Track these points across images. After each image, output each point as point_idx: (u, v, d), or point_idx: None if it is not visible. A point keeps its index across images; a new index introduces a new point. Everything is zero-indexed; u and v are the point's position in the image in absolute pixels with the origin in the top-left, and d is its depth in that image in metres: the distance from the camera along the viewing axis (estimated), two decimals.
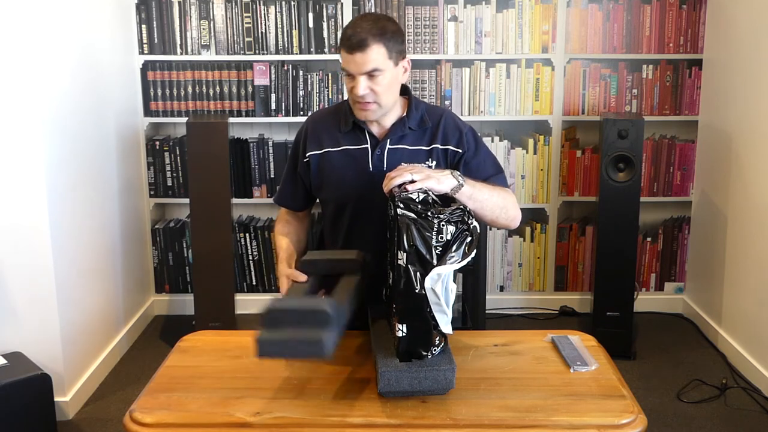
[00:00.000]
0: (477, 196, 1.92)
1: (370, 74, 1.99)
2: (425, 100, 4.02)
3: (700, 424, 3.13)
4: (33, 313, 3.05)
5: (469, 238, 1.69)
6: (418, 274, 1.65)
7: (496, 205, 1.98)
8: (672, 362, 3.67)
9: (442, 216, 1.69)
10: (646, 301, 4.23)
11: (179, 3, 3.97)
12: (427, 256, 1.65)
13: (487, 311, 3.68)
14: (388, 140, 2.10)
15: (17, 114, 2.90)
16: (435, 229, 1.67)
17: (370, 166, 2.10)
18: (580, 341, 2.00)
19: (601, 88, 4.07)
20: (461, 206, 1.76)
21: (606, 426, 1.63)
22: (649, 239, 4.23)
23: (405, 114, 2.12)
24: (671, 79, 4.05)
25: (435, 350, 1.73)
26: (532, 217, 4.20)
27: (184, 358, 1.96)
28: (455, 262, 1.66)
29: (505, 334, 2.08)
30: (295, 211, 2.30)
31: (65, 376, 3.14)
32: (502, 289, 4.27)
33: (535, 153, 4.11)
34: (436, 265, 1.65)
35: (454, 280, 1.72)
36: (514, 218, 2.06)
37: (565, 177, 4.14)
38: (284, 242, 2.19)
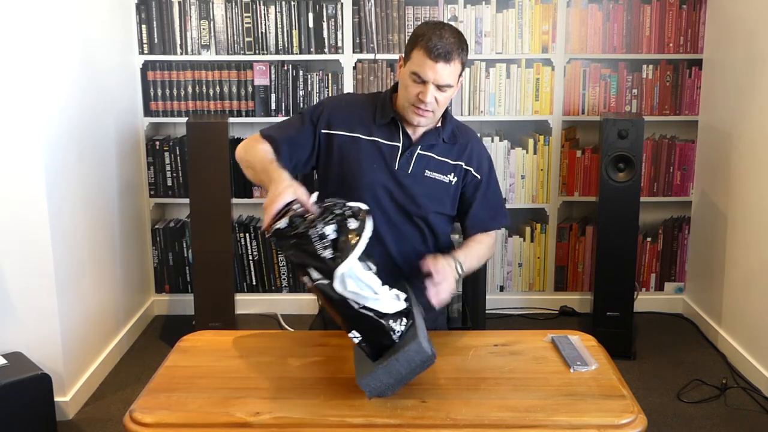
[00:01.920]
0: (466, 273, 2.05)
1: (441, 86, 2.00)
2: None
3: (700, 424, 3.13)
4: (33, 313, 3.05)
5: (353, 222, 1.72)
6: (327, 283, 1.69)
7: (477, 266, 2.14)
8: (672, 362, 3.67)
9: (315, 224, 1.71)
10: (646, 301, 4.23)
11: (179, 3, 3.97)
12: (324, 265, 1.68)
13: (487, 311, 3.69)
14: (420, 146, 2.11)
15: (17, 114, 2.90)
16: (316, 239, 1.70)
17: (396, 164, 2.09)
18: (580, 341, 2.01)
19: (601, 88, 4.07)
20: (330, 203, 1.78)
21: (606, 426, 1.63)
22: (649, 239, 4.23)
23: (439, 125, 2.14)
24: (671, 79, 4.05)
25: (398, 333, 1.73)
26: (532, 217, 4.20)
27: (184, 358, 1.96)
28: (352, 249, 1.69)
29: (505, 334, 2.08)
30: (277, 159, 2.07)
31: (65, 376, 3.14)
32: (502, 289, 4.27)
33: (535, 153, 4.11)
34: (336, 266, 1.67)
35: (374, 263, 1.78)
36: (484, 261, 2.25)
37: (565, 177, 4.14)
38: (271, 157, 2.02)
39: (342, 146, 2.11)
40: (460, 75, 2.05)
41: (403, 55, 2.07)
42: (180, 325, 3.98)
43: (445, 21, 3.95)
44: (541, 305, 4.27)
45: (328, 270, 1.69)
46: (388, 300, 1.75)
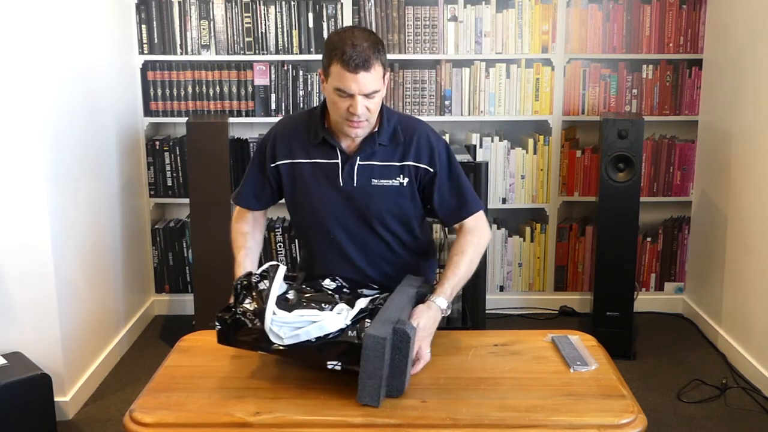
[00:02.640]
0: (456, 291, 2.04)
1: (368, 95, 1.95)
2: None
3: (700, 424, 3.13)
4: (33, 313, 3.05)
5: (262, 284, 1.82)
6: (271, 345, 1.75)
7: (470, 273, 2.10)
8: (672, 362, 3.67)
9: (236, 307, 1.82)
10: (646, 301, 4.23)
11: (179, 3, 3.97)
12: (259, 334, 1.76)
13: (487, 311, 3.68)
14: (358, 157, 2.07)
15: (17, 114, 2.90)
16: (244, 319, 1.79)
17: (341, 181, 2.08)
18: (580, 341, 2.01)
19: (601, 88, 4.07)
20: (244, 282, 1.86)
21: (606, 426, 1.63)
22: (649, 239, 4.23)
23: (376, 129, 2.07)
24: (671, 79, 4.05)
25: (355, 333, 1.74)
26: (532, 217, 4.20)
27: (184, 358, 1.96)
28: (265, 304, 1.77)
29: (505, 334, 2.08)
30: (254, 210, 2.24)
31: (65, 376, 3.14)
32: (502, 289, 4.27)
33: (535, 153, 4.11)
34: (263, 327, 1.75)
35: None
36: (481, 252, 2.15)
37: (565, 177, 4.14)
38: (243, 244, 2.17)
39: (289, 174, 2.13)
40: (384, 75, 1.99)
41: (322, 69, 2.02)
42: (180, 325, 3.98)
43: (445, 21, 3.96)
44: (541, 305, 4.27)
45: (263, 335, 1.75)
46: (332, 318, 1.76)
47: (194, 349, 2.01)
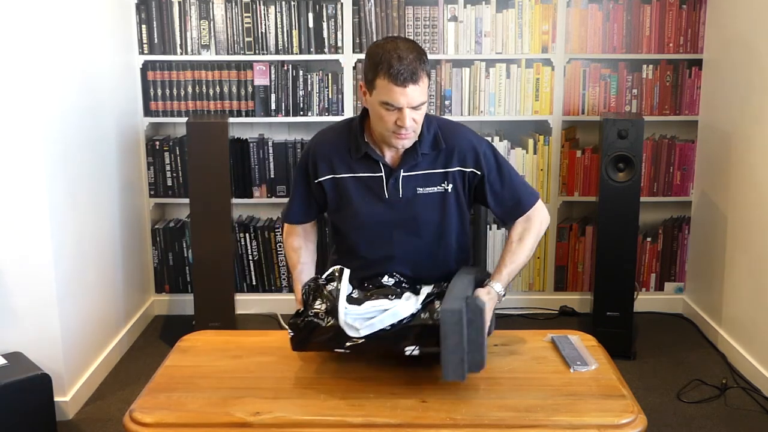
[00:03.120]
0: (512, 278, 2.05)
1: (416, 107, 1.94)
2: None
3: (700, 424, 3.13)
4: (33, 313, 3.05)
5: (330, 285, 1.87)
6: (351, 340, 1.78)
7: (527, 261, 2.11)
8: (672, 362, 3.67)
9: (307, 310, 1.85)
10: (646, 301, 4.23)
11: (179, 3, 3.97)
12: (335, 331, 1.80)
13: None
14: (401, 169, 2.07)
15: (17, 114, 2.90)
16: (316, 320, 1.82)
17: (386, 193, 2.08)
18: (580, 341, 2.01)
19: (601, 88, 4.07)
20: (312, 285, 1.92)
21: (606, 426, 1.63)
22: (649, 239, 4.23)
23: (417, 138, 2.05)
24: (671, 79, 4.05)
25: (434, 317, 1.76)
26: None
27: (184, 358, 1.96)
28: (336, 301, 1.82)
29: (505, 334, 2.08)
30: (305, 224, 2.28)
31: (65, 376, 3.14)
32: None
33: (535, 153, 4.11)
34: (338, 323, 1.79)
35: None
36: (542, 233, 2.15)
37: (565, 177, 4.14)
38: (297, 260, 2.20)
39: (334, 189, 2.12)
40: (429, 85, 1.99)
41: (363, 82, 2.00)
42: (180, 325, 3.98)
43: (445, 21, 3.96)
44: (541, 305, 4.27)
45: (337, 332, 1.77)
46: (402, 305, 1.80)
47: (194, 349, 2.01)
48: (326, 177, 2.12)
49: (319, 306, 1.82)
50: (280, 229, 4.14)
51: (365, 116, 2.09)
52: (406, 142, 2.01)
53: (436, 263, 2.15)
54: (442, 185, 2.09)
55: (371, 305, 1.81)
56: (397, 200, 2.08)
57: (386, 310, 1.78)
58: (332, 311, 1.79)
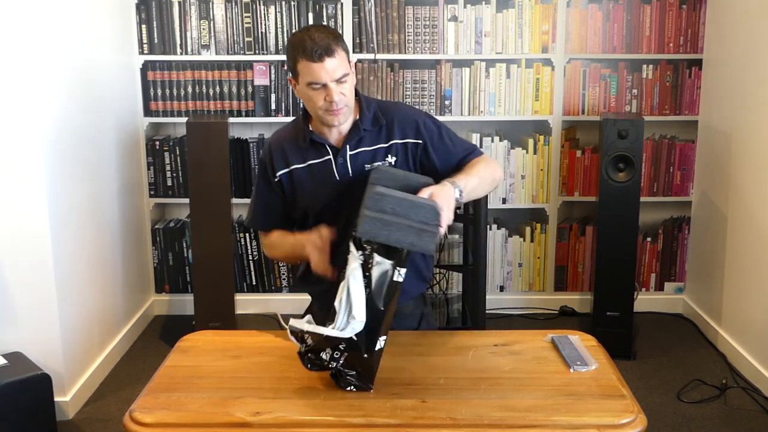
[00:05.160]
0: (471, 194, 2.02)
1: (339, 80, 2.00)
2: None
3: (700, 424, 3.13)
4: (33, 313, 3.05)
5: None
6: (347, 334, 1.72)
7: (486, 186, 2.12)
8: (672, 362, 3.67)
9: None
10: (646, 301, 4.23)
11: (179, 3, 3.97)
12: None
13: (487, 311, 3.68)
14: (347, 146, 2.11)
15: (17, 114, 2.90)
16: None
17: (336, 175, 2.10)
18: (580, 341, 2.01)
19: (601, 88, 4.07)
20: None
21: (606, 426, 1.63)
22: (649, 239, 4.23)
23: (358, 117, 2.12)
24: (671, 79, 4.05)
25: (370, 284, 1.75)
26: (532, 217, 4.20)
27: (184, 358, 1.96)
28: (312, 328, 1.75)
29: (505, 334, 2.08)
30: (277, 229, 2.25)
31: (65, 376, 3.14)
32: (502, 289, 4.27)
33: (535, 153, 4.11)
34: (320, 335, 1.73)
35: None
36: (500, 179, 2.18)
37: (565, 177, 4.14)
38: (283, 234, 2.18)
39: (289, 182, 2.15)
40: (349, 60, 2.05)
41: (291, 75, 2.07)
42: (180, 325, 3.98)
43: (445, 21, 3.96)
44: (541, 305, 4.27)
45: (349, 341, 1.73)
46: (356, 288, 1.74)
47: (194, 349, 2.01)
48: (283, 171, 2.15)
49: (309, 339, 1.77)
50: None
51: (307, 114, 2.16)
52: (341, 117, 2.05)
53: None
54: (387, 159, 2.12)
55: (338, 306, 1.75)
56: (348, 178, 2.09)
57: (348, 300, 1.72)
58: (325, 339, 1.74)
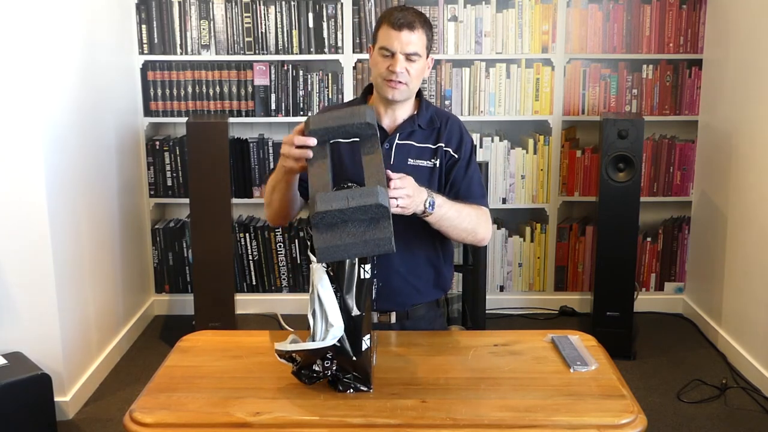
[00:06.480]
0: (442, 220, 1.98)
1: (409, 57, 2.04)
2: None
3: (700, 424, 3.13)
4: (33, 313, 3.05)
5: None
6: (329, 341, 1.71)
7: (463, 229, 2.06)
8: (672, 362, 3.67)
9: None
10: (646, 301, 4.23)
11: (179, 3, 3.97)
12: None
13: (487, 311, 3.68)
14: (398, 135, 2.14)
15: (17, 114, 2.90)
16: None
17: None
18: (580, 341, 2.01)
19: (601, 88, 4.07)
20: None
21: (606, 426, 1.63)
22: (649, 239, 4.23)
23: (416, 112, 2.17)
24: (671, 79, 4.05)
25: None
26: (532, 217, 4.20)
27: (184, 358, 1.96)
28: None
29: (505, 334, 2.08)
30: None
31: (65, 376, 3.14)
32: (502, 289, 4.27)
33: (535, 153, 4.11)
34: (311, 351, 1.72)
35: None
36: (483, 239, 2.14)
37: (565, 177, 4.14)
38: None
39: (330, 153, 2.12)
40: (428, 50, 2.09)
41: (372, 44, 2.13)
42: (180, 325, 3.98)
43: (445, 21, 3.96)
44: (541, 305, 4.27)
45: (335, 348, 1.72)
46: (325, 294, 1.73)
47: (194, 349, 2.01)
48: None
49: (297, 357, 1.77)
50: (278, 230, 4.14)
51: (368, 92, 2.21)
52: (397, 93, 2.07)
53: (418, 239, 2.13)
54: (432, 160, 2.15)
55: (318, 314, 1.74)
56: (388, 166, 2.05)
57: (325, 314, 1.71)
58: (313, 352, 1.74)
